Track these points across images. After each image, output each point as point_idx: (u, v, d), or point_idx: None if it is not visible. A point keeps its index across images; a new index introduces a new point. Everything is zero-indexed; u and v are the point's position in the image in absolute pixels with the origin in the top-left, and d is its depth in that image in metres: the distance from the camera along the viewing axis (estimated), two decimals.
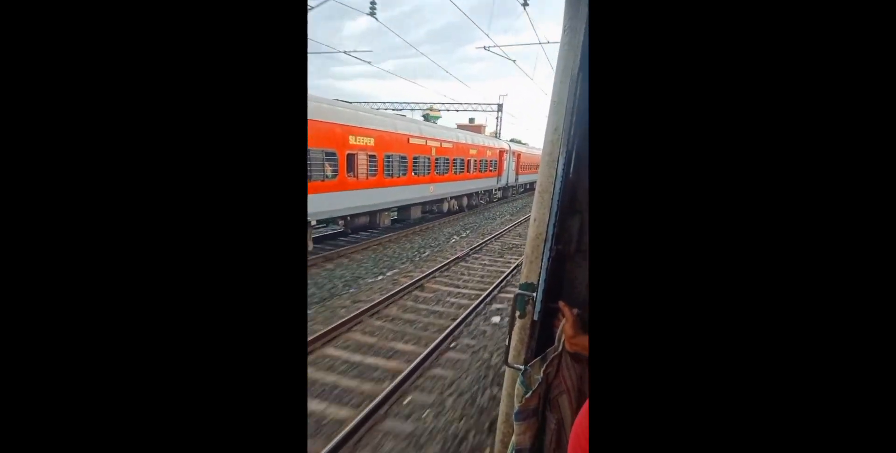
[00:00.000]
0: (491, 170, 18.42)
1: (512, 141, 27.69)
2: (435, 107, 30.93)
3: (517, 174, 23.65)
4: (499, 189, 20.45)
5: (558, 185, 1.21)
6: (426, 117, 31.96)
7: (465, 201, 16.42)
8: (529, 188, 29.63)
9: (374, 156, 9.62)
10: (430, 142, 12.34)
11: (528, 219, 10.81)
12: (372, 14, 11.05)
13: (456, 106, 30.78)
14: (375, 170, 9.75)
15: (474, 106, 31.01)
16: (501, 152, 19.74)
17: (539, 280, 1.26)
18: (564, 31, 1.18)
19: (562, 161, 1.21)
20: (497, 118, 30.62)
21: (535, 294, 1.27)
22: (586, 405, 0.77)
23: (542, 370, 1.23)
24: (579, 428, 0.76)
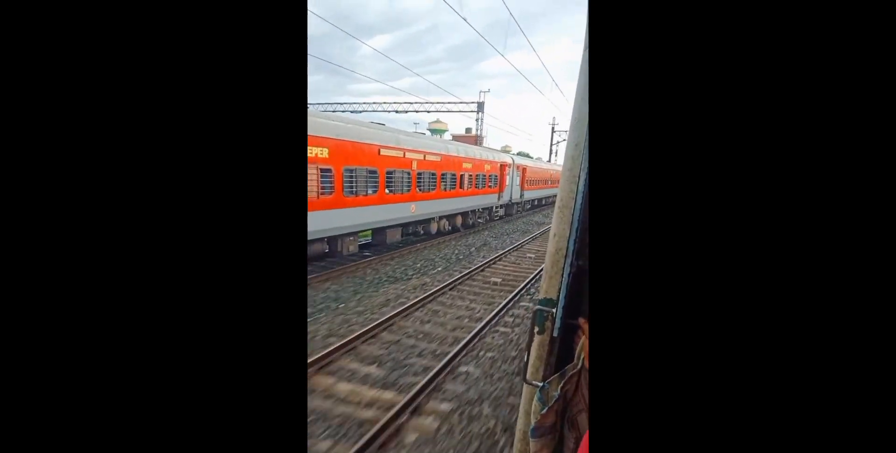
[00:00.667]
0: (490, 186, 16.56)
1: (519, 154, 25.62)
2: (404, 107, 27.30)
3: (523, 190, 21.74)
4: (501, 206, 18.53)
5: (579, 201, 1.20)
6: (433, 131, 30.35)
7: (459, 221, 14.56)
8: (538, 204, 27.63)
9: (328, 171, 7.89)
10: (410, 155, 10.60)
11: (484, 267, 8.55)
12: None
13: (427, 105, 27.08)
14: (331, 188, 8.01)
15: (448, 105, 26.91)
16: (503, 166, 17.90)
17: (559, 296, 1.23)
18: (585, 47, 1.15)
19: (583, 177, 1.19)
20: (477, 120, 26.96)
21: (554, 310, 1.24)
22: None
23: (560, 387, 1.20)
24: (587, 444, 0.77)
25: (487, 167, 16.05)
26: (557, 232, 1.24)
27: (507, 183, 18.64)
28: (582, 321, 1.18)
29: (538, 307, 1.26)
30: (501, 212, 18.94)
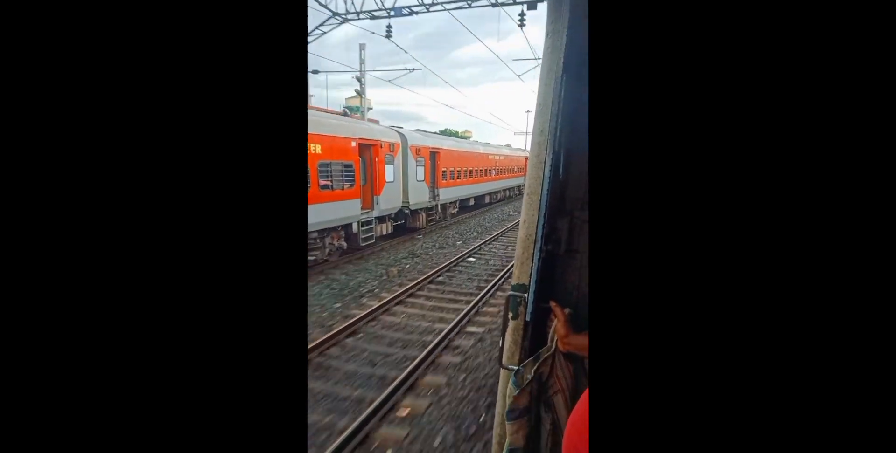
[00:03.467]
0: (333, 188, 8.44)
1: (416, 130, 16.97)
2: None
3: (436, 187, 13.77)
4: (379, 219, 10.44)
5: (546, 187, 1.21)
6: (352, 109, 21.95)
7: None
8: (479, 205, 19.72)
9: None
10: None
11: None
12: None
13: None
14: None
15: None
16: (371, 148, 9.81)
17: (530, 281, 1.25)
18: (547, 34, 1.18)
19: (549, 163, 1.21)
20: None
21: (526, 295, 1.26)
22: (577, 405, 0.78)
23: (534, 369, 1.22)
24: (572, 427, 0.77)
25: (317, 149, 7.95)
26: (527, 218, 1.24)
27: (387, 178, 10.59)
28: (553, 304, 1.21)
29: (511, 293, 1.26)
30: (382, 229, 10.78)
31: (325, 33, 12.64)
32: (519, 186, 26.95)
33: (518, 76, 17.08)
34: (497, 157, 21.30)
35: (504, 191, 23.22)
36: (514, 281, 1.26)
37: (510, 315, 1.25)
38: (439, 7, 11.15)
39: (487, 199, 20.49)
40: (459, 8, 11.01)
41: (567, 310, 1.20)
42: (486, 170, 19.31)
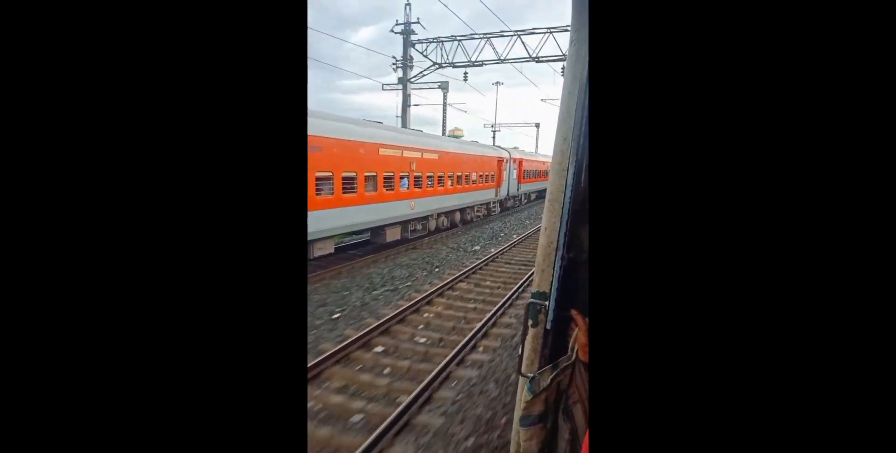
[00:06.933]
0: None
1: None
2: None
3: None
4: None
5: (568, 194, 1.22)
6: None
7: None
8: (365, 246, 10.13)
9: None
10: None
11: None
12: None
13: None
14: None
15: None
16: None
17: (551, 288, 1.25)
18: (572, 43, 1.19)
19: (571, 170, 1.21)
20: None
21: (547, 302, 1.27)
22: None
23: (553, 377, 1.21)
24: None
25: None
26: (548, 225, 1.24)
27: None
28: (574, 313, 1.18)
29: (532, 300, 1.26)
30: None
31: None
32: (488, 204, 17.37)
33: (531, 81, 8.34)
34: (435, 156, 11.84)
35: (446, 215, 13.48)
36: (534, 288, 1.27)
37: (530, 323, 1.26)
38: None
39: (403, 234, 10.96)
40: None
41: (588, 319, 1.13)
42: (392, 178, 9.92)
